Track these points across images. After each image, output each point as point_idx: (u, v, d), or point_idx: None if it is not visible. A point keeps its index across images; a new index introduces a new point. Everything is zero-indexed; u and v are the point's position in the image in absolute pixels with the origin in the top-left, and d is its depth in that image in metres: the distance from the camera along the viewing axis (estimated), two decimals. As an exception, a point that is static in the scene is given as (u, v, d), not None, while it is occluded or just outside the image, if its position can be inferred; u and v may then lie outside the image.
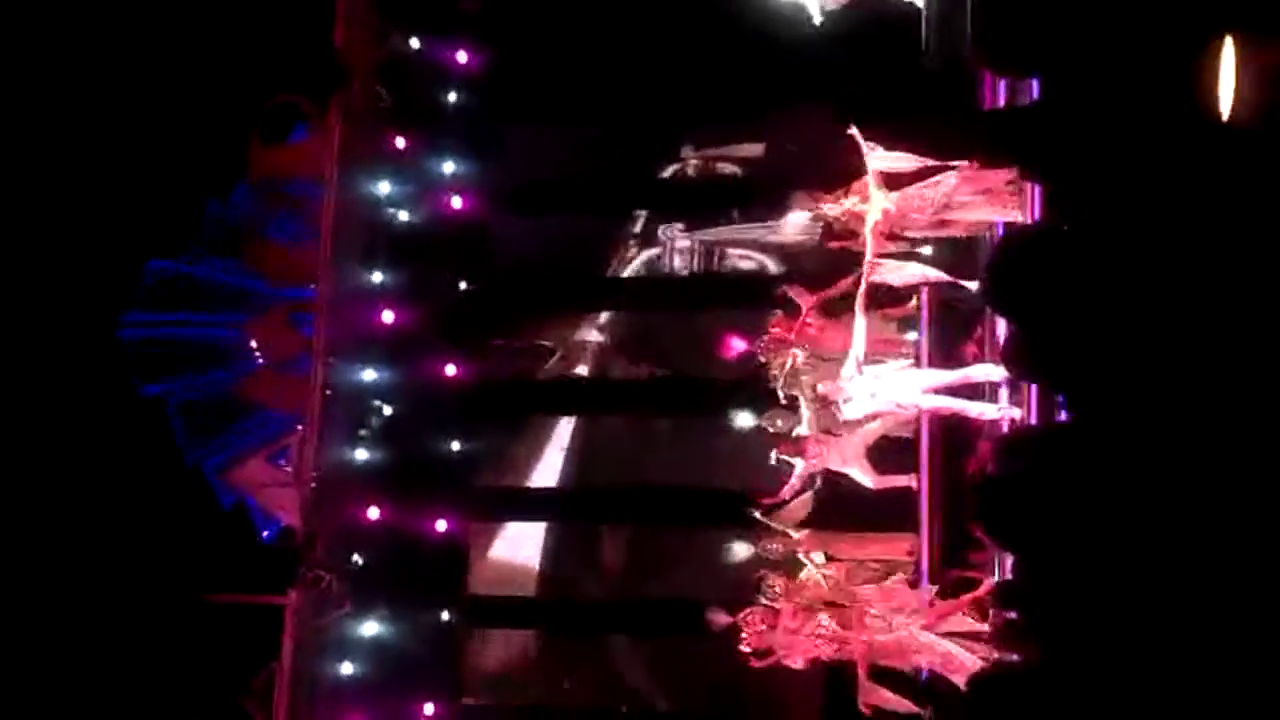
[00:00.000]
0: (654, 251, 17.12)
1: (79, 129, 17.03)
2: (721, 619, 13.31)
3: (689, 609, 13.96)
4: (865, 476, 13.05)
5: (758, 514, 13.45)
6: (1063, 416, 10.67)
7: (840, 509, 13.55)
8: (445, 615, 16.52)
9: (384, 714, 15.59)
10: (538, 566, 17.13)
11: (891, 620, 12.07)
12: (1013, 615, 10.92)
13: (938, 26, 13.27)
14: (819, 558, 13.11)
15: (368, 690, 15.47)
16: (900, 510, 13.37)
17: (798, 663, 12.59)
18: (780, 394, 13.12)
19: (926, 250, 12.56)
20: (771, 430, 13.35)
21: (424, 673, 16.10)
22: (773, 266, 16.19)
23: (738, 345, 13.62)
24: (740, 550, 14.75)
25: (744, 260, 16.70)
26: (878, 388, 11.87)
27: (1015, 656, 10.81)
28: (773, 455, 13.27)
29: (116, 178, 16.84)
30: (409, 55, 16.40)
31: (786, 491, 13.28)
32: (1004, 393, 11.91)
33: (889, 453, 13.20)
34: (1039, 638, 9.54)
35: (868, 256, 12.06)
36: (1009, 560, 11.43)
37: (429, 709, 16.05)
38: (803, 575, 13.03)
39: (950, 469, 13.00)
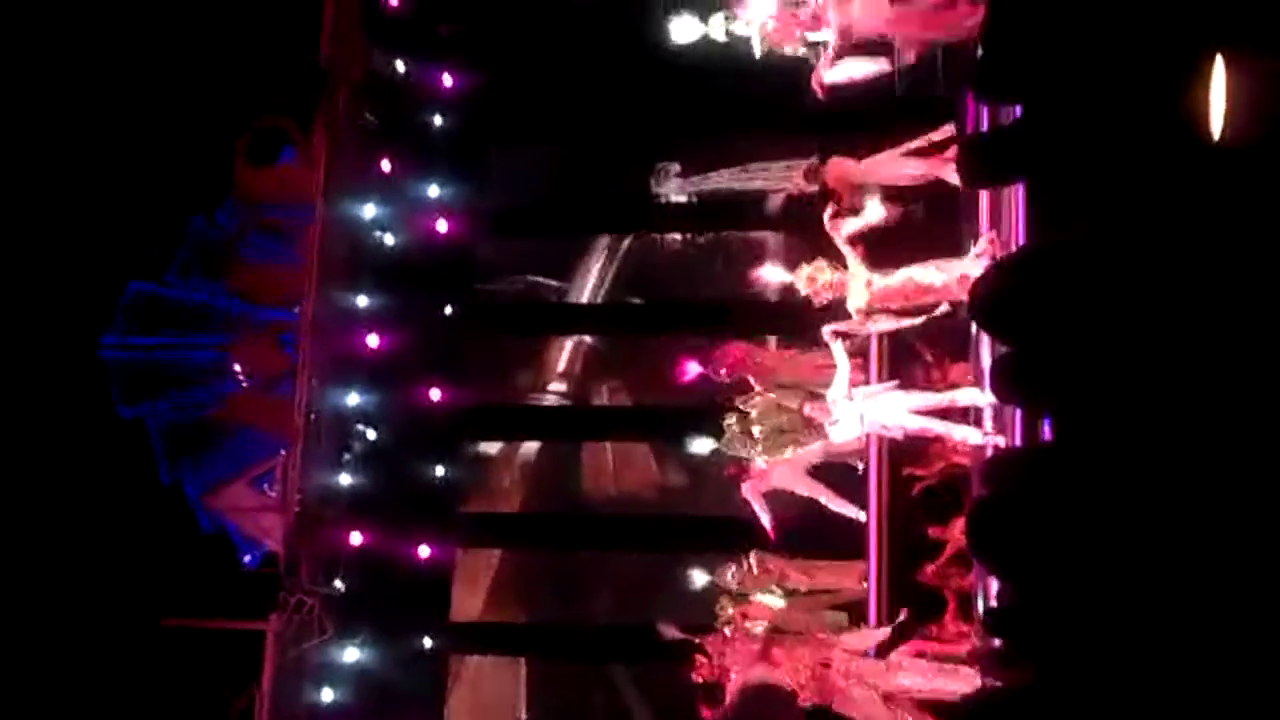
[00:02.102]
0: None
1: (63, 148, 16.96)
2: (673, 632, 13.36)
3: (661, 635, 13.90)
4: (815, 493, 13.08)
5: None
6: (1048, 440, 10.58)
7: (792, 537, 13.66)
8: (428, 641, 16.40)
9: (366, 742, 15.46)
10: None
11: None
12: (997, 642, 10.84)
13: (909, 72, 13.32)
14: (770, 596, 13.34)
15: (350, 716, 15.34)
16: (852, 539, 13.38)
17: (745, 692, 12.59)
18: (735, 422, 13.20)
19: None
20: (730, 455, 13.39)
21: (406, 699, 15.98)
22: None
23: (694, 369, 13.71)
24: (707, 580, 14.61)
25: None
26: (865, 410, 11.81)
27: (999, 682, 10.71)
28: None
29: (98, 198, 16.75)
30: (394, 77, 16.37)
31: (767, 520, 13.32)
32: (988, 418, 11.82)
33: (838, 482, 13.19)
34: (1032, 661, 9.45)
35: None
36: (990, 587, 11.39)
37: (412, 736, 15.96)
38: (756, 599, 13.28)
39: (900, 498, 13.00)
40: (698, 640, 12.90)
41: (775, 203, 15.49)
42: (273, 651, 15.09)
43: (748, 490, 13.29)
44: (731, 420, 13.17)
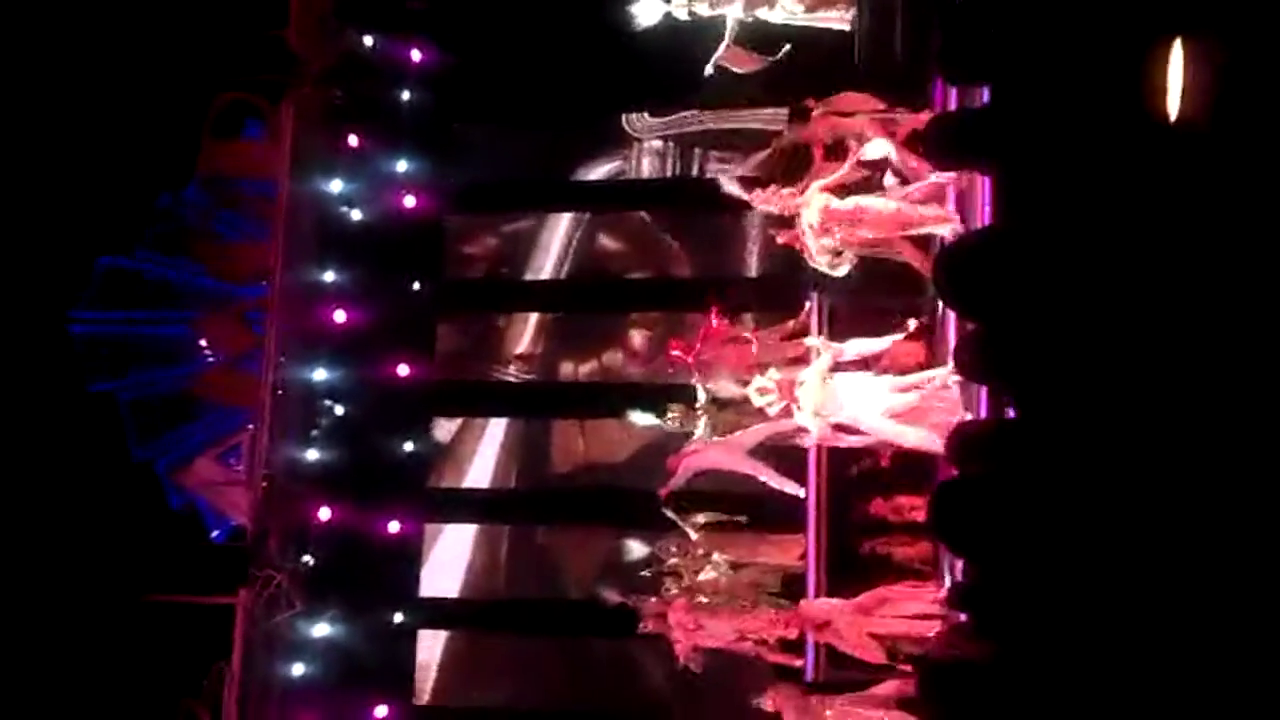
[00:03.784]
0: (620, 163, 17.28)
1: (29, 123, 16.91)
2: (614, 598, 13.60)
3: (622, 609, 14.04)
4: (756, 472, 13.23)
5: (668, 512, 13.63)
6: (1011, 416, 10.71)
7: (733, 512, 13.91)
8: (397, 616, 16.49)
9: (336, 715, 15.52)
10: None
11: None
12: (963, 617, 10.99)
13: (868, 44, 13.44)
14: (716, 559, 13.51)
15: (319, 691, 15.42)
16: (792, 514, 13.55)
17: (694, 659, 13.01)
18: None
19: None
20: (670, 428, 13.62)
21: (376, 673, 16.06)
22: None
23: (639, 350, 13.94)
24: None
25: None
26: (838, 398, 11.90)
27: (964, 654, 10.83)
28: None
29: (66, 173, 16.72)
30: (362, 53, 16.36)
31: (667, 489, 13.49)
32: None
33: (779, 458, 13.33)
34: (993, 637, 9.59)
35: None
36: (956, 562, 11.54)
37: (381, 710, 16.01)
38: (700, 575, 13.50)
39: (840, 475, 13.17)
40: (636, 604, 13.21)
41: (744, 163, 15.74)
42: (242, 626, 15.12)
43: (683, 465, 13.41)
44: (674, 409, 13.37)
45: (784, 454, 13.26)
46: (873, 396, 11.75)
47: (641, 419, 14.40)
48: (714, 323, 13.27)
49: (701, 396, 13.28)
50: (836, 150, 12.33)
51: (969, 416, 11.47)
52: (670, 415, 13.56)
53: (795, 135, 12.89)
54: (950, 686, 9.85)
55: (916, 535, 12.78)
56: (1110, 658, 8.55)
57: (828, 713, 12.06)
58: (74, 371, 16.40)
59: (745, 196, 12.60)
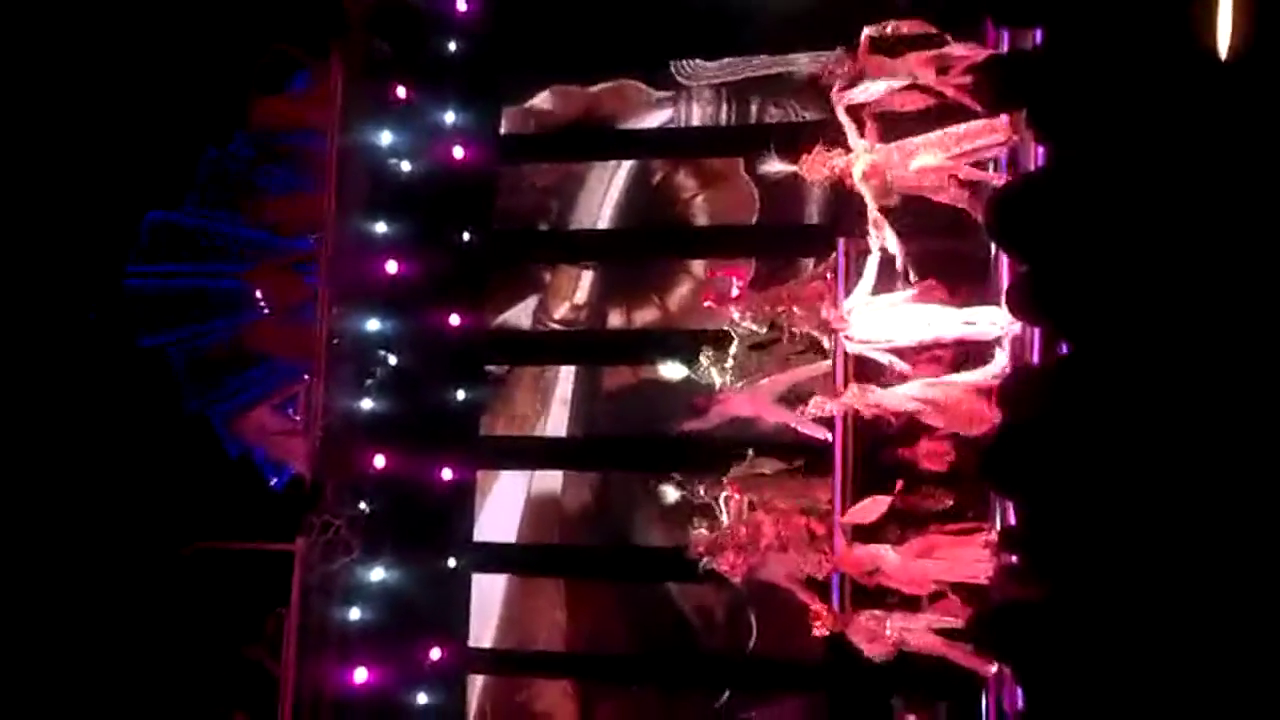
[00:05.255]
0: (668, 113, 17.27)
1: (76, 79, 17.00)
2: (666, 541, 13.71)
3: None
4: (784, 419, 13.35)
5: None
6: (1063, 359, 10.74)
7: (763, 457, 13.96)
8: (452, 561, 16.69)
9: (392, 659, 15.73)
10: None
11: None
12: (1014, 559, 11.08)
13: None
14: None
15: (376, 635, 15.62)
16: (821, 457, 13.55)
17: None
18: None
19: None
20: (703, 379, 13.71)
21: (431, 617, 16.28)
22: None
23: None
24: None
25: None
26: (884, 320, 11.99)
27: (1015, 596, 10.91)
28: None
29: (115, 129, 16.82)
30: (407, 4, 16.40)
31: (687, 427, 13.74)
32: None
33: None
34: (1046, 578, 9.64)
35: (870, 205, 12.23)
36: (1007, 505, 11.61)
37: (436, 653, 16.24)
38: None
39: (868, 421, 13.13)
40: (694, 542, 13.31)
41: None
42: (300, 572, 15.34)
43: (712, 411, 13.51)
44: (709, 351, 13.42)
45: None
46: (914, 318, 11.89)
47: (673, 370, 14.50)
48: (735, 289, 13.33)
49: (733, 346, 13.35)
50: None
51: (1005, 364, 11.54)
52: (703, 362, 13.63)
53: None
54: (1004, 629, 9.95)
55: (949, 480, 12.83)
56: (1166, 595, 8.60)
57: (888, 631, 12.19)
58: (129, 326, 16.55)
59: (791, 168, 12.62)
